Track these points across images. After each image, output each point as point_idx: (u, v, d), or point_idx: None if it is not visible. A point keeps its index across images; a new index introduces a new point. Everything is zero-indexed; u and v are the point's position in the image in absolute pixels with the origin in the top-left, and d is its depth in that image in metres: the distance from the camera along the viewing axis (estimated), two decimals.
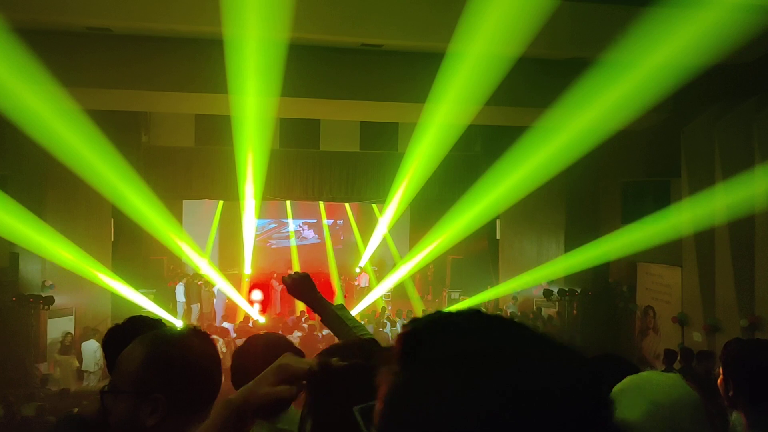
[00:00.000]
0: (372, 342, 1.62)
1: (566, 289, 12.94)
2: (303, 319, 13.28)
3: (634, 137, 11.62)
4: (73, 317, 12.12)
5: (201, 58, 9.37)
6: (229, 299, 15.33)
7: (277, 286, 16.15)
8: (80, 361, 11.14)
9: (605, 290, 13.20)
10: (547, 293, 13.20)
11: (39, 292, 11.39)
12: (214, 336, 11.07)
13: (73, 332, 11.74)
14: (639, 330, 12.52)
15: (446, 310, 0.69)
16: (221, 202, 17.30)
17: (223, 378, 1.70)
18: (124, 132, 11.96)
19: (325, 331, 10.81)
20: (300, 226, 20.54)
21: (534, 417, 0.54)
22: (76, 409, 6.41)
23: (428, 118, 10.51)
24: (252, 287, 16.35)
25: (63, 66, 8.68)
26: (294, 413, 1.50)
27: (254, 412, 1.12)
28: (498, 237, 14.92)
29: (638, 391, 1.71)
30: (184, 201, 16.22)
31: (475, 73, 8.90)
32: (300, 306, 14.39)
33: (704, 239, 10.09)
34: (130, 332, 1.78)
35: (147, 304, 12.32)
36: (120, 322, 2.30)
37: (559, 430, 0.54)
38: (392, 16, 8.92)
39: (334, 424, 1.22)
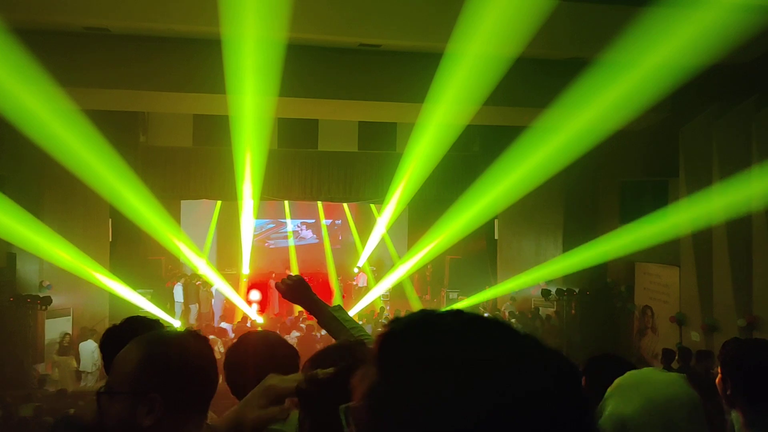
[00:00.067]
0: (360, 343, 1.62)
1: (564, 289, 12.95)
2: (301, 319, 13.27)
3: (633, 137, 11.63)
4: (70, 318, 12.10)
5: (199, 58, 9.37)
6: (227, 299, 15.32)
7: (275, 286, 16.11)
8: (78, 362, 11.12)
9: (603, 290, 13.21)
10: (546, 293, 13.21)
11: (36, 293, 11.36)
12: (212, 336, 11.10)
13: (70, 333, 11.72)
14: (637, 330, 12.53)
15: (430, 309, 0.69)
16: (219, 202, 17.29)
17: (221, 379, 1.69)
18: (122, 132, 11.94)
19: (324, 332, 10.80)
20: (298, 226, 20.53)
21: (512, 423, 0.54)
22: (72, 410, 6.41)
23: (426, 118, 10.51)
24: (250, 287, 16.34)
25: (61, 66, 8.67)
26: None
27: None
28: (496, 237, 14.93)
29: (635, 387, 1.71)
30: (182, 201, 16.20)
31: (474, 73, 8.90)
32: (298, 306, 14.36)
33: (702, 239, 10.10)
34: (128, 333, 1.77)
35: (145, 305, 12.30)
36: (117, 322, 2.29)
37: None
38: (390, 16, 8.92)
39: (332, 423, 1.22)
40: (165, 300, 14.20)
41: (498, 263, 14.92)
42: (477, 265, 15.73)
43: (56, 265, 11.27)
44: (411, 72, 9.74)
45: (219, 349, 9.36)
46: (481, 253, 15.73)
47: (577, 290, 12.93)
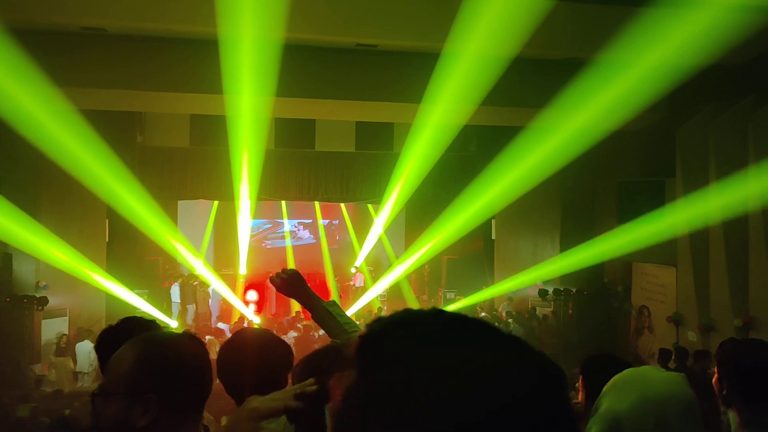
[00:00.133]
0: (349, 345, 1.61)
1: (561, 289, 12.96)
2: (298, 319, 13.26)
3: (630, 137, 11.65)
4: (67, 318, 12.07)
5: (196, 58, 9.35)
6: (224, 300, 15.30)
7: (272, 287, 16.10)
8: (75, 363, 11.10)
9: (600, 290, 13.23)
10: (543, 293, 13.22)
11: (33, 293, 11.33)
12: (210, 337, 11.09)
13: (67, 333, 11.69)
14: (634, 329, 12.55)
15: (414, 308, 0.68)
16: (216, 203, 17.27)
17: (217, 381, 1.69)
18: (118, 132, 11.92)
19: (321, 332, 10.80)
20: (295, 227, 20.52)
21: (492, 427, 0.53)
22: (68, 411, 6.39)
23: (424, 118, 10.51)
24: (247, 288, 16.32)
25: (58, 66, 8.65)
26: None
27: None
28: (493, 237, 14.94)
29: (631, 384, 1.72)
30: (179, 201, 16.18)
31: (471, 73, 8.90)
32: (295, 306, 14.37)
33: (699, 239, 10.12)
34: (124, 333, 1.77)
35: (142, 305, 12.28)
36: (114, 323, 2.29)
37: None
38: (387, 16, 8.91)
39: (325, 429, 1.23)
40: (161, 300, 14.18)
41: (495, 263, 14.93)
42: (474, 265, 15.74)
43: (53, 265, 11.24)
44: (408, 72, 9.74)
45: (216, 350, 9.33)
46: (478, 253, 15.74)
47: (574, 290, 12.94)
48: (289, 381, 2.03)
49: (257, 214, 17.17)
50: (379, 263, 19.19)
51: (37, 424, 7.00)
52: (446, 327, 0.61)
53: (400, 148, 13.15)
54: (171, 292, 14.76)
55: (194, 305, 14.93)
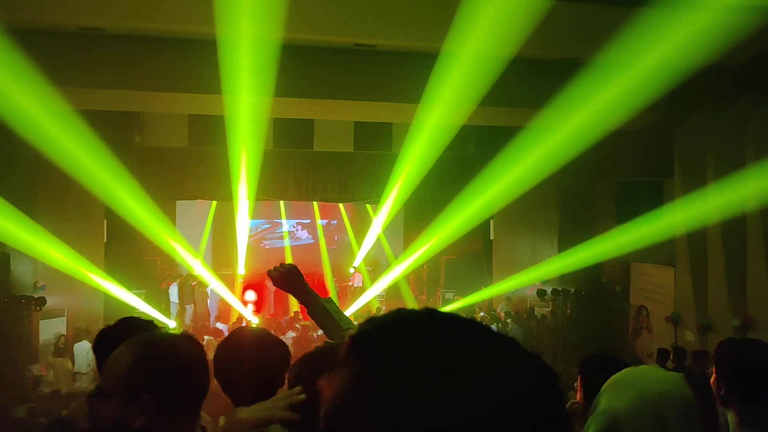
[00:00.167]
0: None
1: (560, 289, 12.97)
2: (297, 319, 13.25)
3: (628, 137, 11.66)
4: (65, 318, 12.06)
5: (194, 59, 9.34)
6: (222, 300, 15.29)
7: (271, 287, 16.12)
8: (73, 363, 11.08)
9: (599, 290, 13.24)
10: (541, 293, 13.23)
11: (31, 293, 11.31)
12: (208, 338, 11.07)
13: (65, 333, 11.67)
14: (632, 329, 12.56)
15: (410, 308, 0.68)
16: (215, 203, 17.27)
17: (214, 381, 1.68)
18: (117, 132, 11.90)
19: (320, 332, 10.79)
20: (294, 227, 20.51)
21: (484, 428, 0.53)
22: (65, 412, 6.38)
23: (422, 119, 10.51)
24: (245, 288, 16.32)
25: (55, 66, 8.63)
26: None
27: None
28: (492, 237, 14.94)
29: (628, 383, 1.72)
30: (177, 201, 16.17)
31: (469, 74, 8.90)
32: (294, 306, 14.37)
33: (697, 239, 10.13)
34: (121, 334, 1.76)
35: (140, 305, 12.27)
36: (112, 323, 2.28)
37: None
38: (386, 16, 8.91)
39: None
40: (158, 300, 14.16)
41: (494, 263, 14.93)
42: (473, 266, 15.74)
43: (51, 265, 11.22)
44: (407, 72, 9.74)
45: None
46: (476, 253, 15.74)
47: (572, 290, 12.94)
48: (286, 381, 2.02)
49: (256, 214, 17.17)
50: (378, 263, 19.19)
51: (35, 425, 6.99)
52: (438, 327, 0.60)
53: (398, 148, 13.14)
54: (169, 292, 14.74)
55: (193, 305, 14.91)
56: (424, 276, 18.76)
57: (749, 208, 8.81)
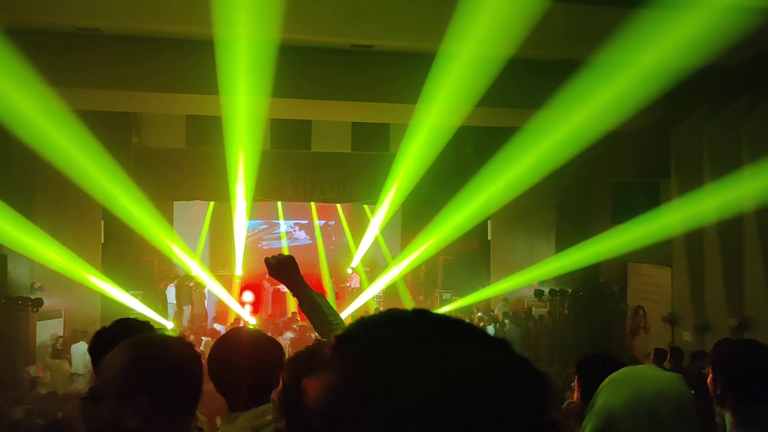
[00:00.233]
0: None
1: (557, 290, 12.98)
2: (294, 320, 13.24)
3: (625, 138, 11.67)
4: (62, 319, 12.04)
5: (192, 59, 9.33)
6: (220, 301, 15.26)
7: (269, 287, 16.10)
8: (71, 364, 11.06)
9: (596, 290, 13.25)
10: (539, 293, 13.23)
11: (28, 294, 11.29)
12: (207, 338, 11.05)
13: (62, 335, 11.65)
14: (630, 330, 12.58)
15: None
16: (212, 203, 17.23)
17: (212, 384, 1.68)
18: (114, 133, 11.90)
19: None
20: (291, 227, 20.48)
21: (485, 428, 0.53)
22: (60, 414, 6.36)
23: (419, 119, 10.51)
24: (243, 288, 16.30)
25: (52, 66, 8.61)
26: None
27: None
28: (489, 238, 14.95)
29: (625, 382, 1.73)
30: (174, 202, 16.14)
31: (467, 74, 8.90)
32: (291, 307, 14.36)
33: (694, 239, 10.15)
34: (118, 335, 1.76)
35: (137, 306, 12.25)
36: (109, 324, 2.28)
37: None
38: (383, 17, 8.91)
39: None
40: (155, 301, 14.14)
41: (491, 264, 14.94)
42: (470, 266, 15.75)
43: (48, 266, 11.20)
44: (404, 73, 9.74)
45: None
46: (474, 253, 15.75)
47: (569, 290, 12.95)
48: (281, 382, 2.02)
49: (253, 214, 17.13)
50: (376, 264, 19.18)
51: (32, 426, 6.98)
52: (427, 328, 0.60)
53: (396, 148, 13.14)
54: (167, 293, 14.72)
55: (190, 306, 14.89)
56: (421, 277, 18.75)
57: (746, 208, 8.83)
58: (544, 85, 9.35)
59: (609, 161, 12.53)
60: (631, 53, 8.26)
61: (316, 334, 2.42)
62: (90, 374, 10.73)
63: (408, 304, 16.60)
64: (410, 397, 0.54)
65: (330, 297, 16.70)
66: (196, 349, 1.50)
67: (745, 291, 9.21)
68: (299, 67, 9.62)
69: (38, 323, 11.49)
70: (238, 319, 14.13)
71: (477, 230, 14.59)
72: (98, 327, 2.39)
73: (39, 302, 11.08)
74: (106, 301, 12.19)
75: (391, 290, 16.96)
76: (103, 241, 12.90)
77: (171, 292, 14.69)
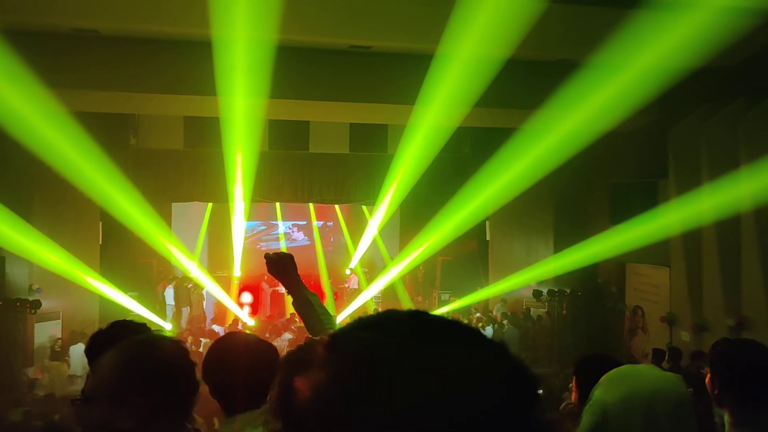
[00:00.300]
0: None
1: (555, 290, 12.99)
2: (293, 321, 13.22)
3: (623, 138, 11.69)
4: (60, 321, 12.02)
5: (189, 60, 9.33)
6: (218, 302, 15.25)
7: (267, 289, 16.09)
8: (69, 366, 11.04)
9: (594, 291, 13.26)
10: (537, 294, 13.24)
11: (26, 296, 11.28)
12: (205, 340, 11.04)
13: (60, 336, 11.63)
14: (628, 330, 12.59)
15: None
16: (210, 205, 17.21)
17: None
18: (112, 134, 11.88)
19: None
20: (290, 228, 20.48)
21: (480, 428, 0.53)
22: (57, 416, 6.36)
23: (417, 120, 10.52)
24: (241, 290, 16.28)
25: (50, 68, 8.60)
26: None
27: None
28: (487, 238, 14.95)
29: (622, 379, 1.75)
30: (173, 203, 16.11)
31: (465, 75, 8.91)
32: (290, 308, 14.35)
33: (692, 239, 10.16)
34: (114, 337, 1.76)
35: (135, 308, 12.22)
36: (106, 326, 2.27)
37: None
38: (381, 18, 8.92)
39: None
40: (154, 303, 14.12)
41: (489, 264, 14.94)
42: (468, 267, 15.75)
43: (46, 268, 11.19)
44: (402, 73, 9.74)
45: None
46: (472, 254, 15.75)
47: (568, 291, 12.97)
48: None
49: (251, 215, 17.11)
50: (374, 265, 19.17)
51: (30, 428, 6.97)
52: (422, 329, 0.60)
53: (394, 149, 13.14)
54: (165, 294, 14.70)
55: (189, 308, 14.87)
56: (420, 277, 18.75)
57: (743, 208, 8.84)
58: (542, 85, 9.37)
59: (607, 162, 12.54)
60: (629, 54, 8.27)
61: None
62: (88, 376, 10.73)
63: (406, 304, 16.58)
64: (407, 396, 0.54)
65: (329, 298, 16.71)
66: (195, 350, 1.51)
67: (742, 291, 9.23)
68: (297, 68, 9.62)
69: (36, 325, 11.47)
70: (236, 320, 14.12)
71: (475, 231, 14.59)
72: (96, 329, 2.39)
73: (37, 304, 11.07)
74: (105, 302, 12.17)
75: (390, 291, 16.95)
76: (101, 243, 12.88)
77: (169, 294, 14.67)
